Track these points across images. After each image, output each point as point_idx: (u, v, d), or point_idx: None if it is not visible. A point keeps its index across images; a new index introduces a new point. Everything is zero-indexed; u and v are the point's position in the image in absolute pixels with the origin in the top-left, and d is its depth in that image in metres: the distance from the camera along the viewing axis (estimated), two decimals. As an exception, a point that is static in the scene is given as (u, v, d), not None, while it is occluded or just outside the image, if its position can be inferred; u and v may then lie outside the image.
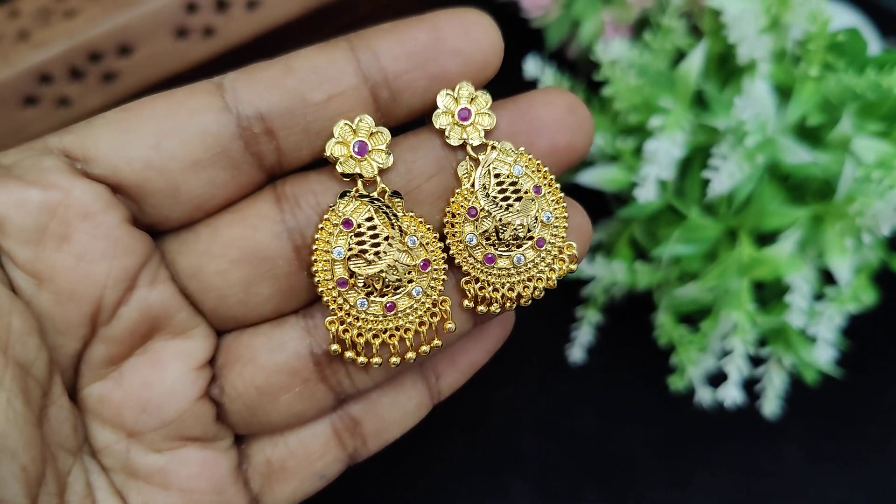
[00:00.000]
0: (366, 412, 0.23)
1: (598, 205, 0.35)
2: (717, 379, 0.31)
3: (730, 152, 0.28)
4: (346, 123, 0.19)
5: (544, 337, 0.36)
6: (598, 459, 0.34)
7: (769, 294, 0.31)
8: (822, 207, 0.29)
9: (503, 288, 0.21)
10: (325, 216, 0.20)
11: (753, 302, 0.29)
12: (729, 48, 0.30)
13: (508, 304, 0.21)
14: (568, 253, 0.21)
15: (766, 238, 0.29)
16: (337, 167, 0.20)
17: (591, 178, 0.31)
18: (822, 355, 0.29)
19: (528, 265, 0.21)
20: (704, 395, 0.31)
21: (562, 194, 0.21)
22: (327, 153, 0.19)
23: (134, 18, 0.34)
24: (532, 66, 0.32)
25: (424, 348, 0.21)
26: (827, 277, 0.30)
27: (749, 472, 0.33)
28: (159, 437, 0.20)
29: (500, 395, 0.35)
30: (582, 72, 0.37)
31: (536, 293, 0.21)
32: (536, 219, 0.21)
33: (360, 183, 0.20)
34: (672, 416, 0.34)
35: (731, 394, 0.30)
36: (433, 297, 0.20)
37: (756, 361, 0.32)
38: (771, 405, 0.32)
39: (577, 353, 0.34)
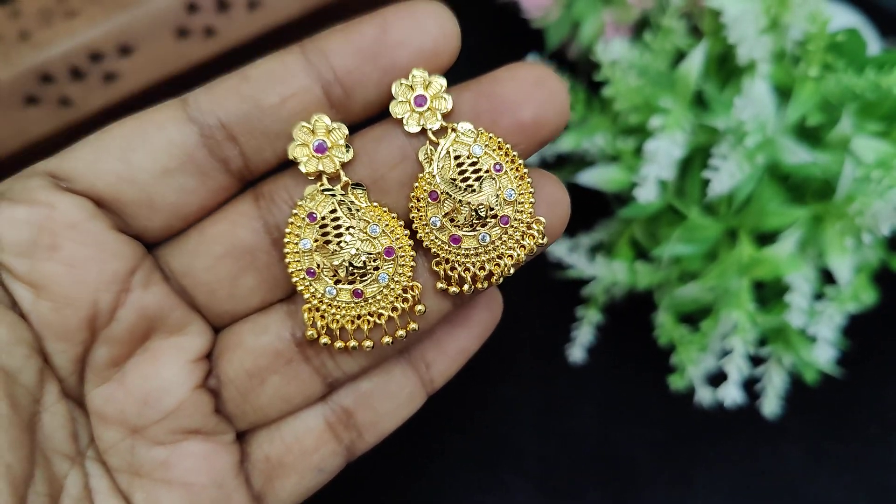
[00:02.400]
0: (358, 403, 0.23)
1: (598, 205, 0.35)
2: (717, 379, 0.31)
3: (730, 152, 0.28)
4: (303, 125, 0.20)
5: (544, 336, 0.36)
6: (599, 459, 0.34)
7: (769, 294, 0.31)
8: (822, 207, 0.29)
9: (475, 267, 0.21)
10: (294, 211, 0.21)
11: (753, 302, 0.29)
12: (729, 48, 0.30)
13: (480, 285, 0.21)
14: (537, 228, 0.21)
15: (766, 238, 0.29)
16: (300, 168, 0.20)
17: (591, 178, 0.31)
18: (822, 355, 0.29)
19: (496, 243, 0.21)
20: (704, 395, 0.31)
21: (526, 170, 0.21)
22: (290, 155, 0.20)
23: (135, 19, 0.34)
24: (532, 67, 0.32)
25: (401, 332, 0.21)
26: (827, 277, 0.30)
27: (749, 471, 0.33)
28: (162, 429, 0.21)
29: (500, 394, 0.35)
30: (582, 72, 0.37)
31: (507, 271, 0.21)
32: (498, 196, 0.21)
33: (324, 178, 0.21)
34: (672, 415, 0.34)
35: (731, 393, 0.30)
36: (402, 282, 0.21)
37: (756, 361, 0.32)
38: (771, 405, 0.32)
39: (577, 352, 0.34)
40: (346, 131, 0.20)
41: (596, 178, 0.31)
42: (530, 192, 0.21)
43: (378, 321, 0.21)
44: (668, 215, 0.31)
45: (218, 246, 0.21)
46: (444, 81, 0.20)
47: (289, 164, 0.21)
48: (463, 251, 0.21)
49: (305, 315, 0.21)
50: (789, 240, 0.29)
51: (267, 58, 0.20)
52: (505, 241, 0.21)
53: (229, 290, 0.22)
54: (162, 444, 0.21)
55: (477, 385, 0.35)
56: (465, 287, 0.21)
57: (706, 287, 0.29)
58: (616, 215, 0.33)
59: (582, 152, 0.33)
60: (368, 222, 0.21)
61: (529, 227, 0.21)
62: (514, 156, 0.20)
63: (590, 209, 0.35)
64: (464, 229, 0.21)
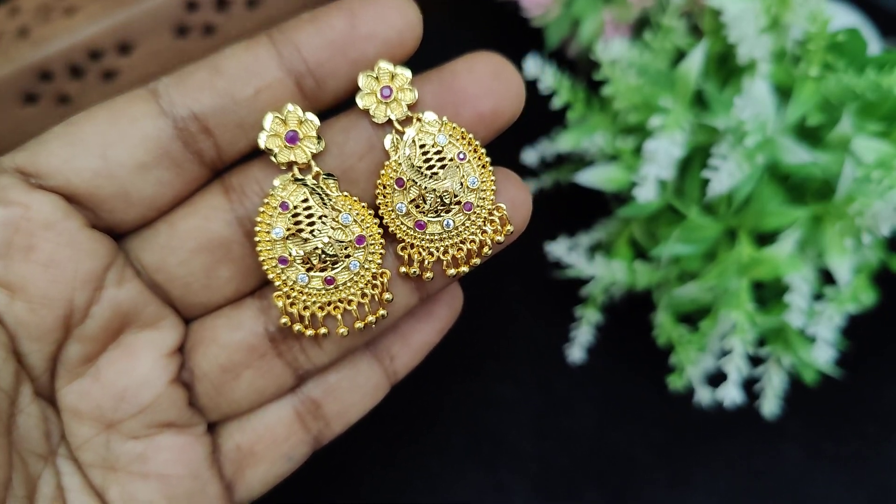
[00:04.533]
0: (325, 394, 0.24)
1: (598, 204, 0.35)
2: (716, 379, 0.31)
3: (730, 152, 0.28)
4: (275, 116, 0.20)
5: (544, 336, 0.36)
6: (598, 459, 0.34)
7: (769, 294, 0.31)
8: (822, 207, 0.29)
9: (438, 252, 0.22)
10: (265, 200, 0.21)
11: (753, 302, 0.29)
12: (729, 48, 0.30)
13: (451, 271, 0.22)
14: (498, 215, 0.22)
15: (765, 238, 0.29)
16: (272, 158, 0.21)
17: (590, 177, 0.31)
18: (822, 355, 0.29)
19: (459, 228, 0.22)
20: (704, 395, 0.31)
21: (488, 159, 0.21)
22: (262, 146, 0.21)
23: (134, 16, 0.34)
24: (532, 66, 0.32)
25: (371, 318, 0.22)
26: (827, 277, 0.30)
27: (748, 471, 0.33)
28: (137, 424, 0.21)
29: (499, 394, 0.35)
30: (582, 71, 0.37)
31: (473, 259, 0.22)
32: (462, 184, 0.21)
33: (295, 168, 0.21)
34: (671, 415, 0.34)
35: (731, 393, 0.30)
36: (372, 270, 0.22)
37: (755, 361, 0.32)
38: (770, 405, 0.32)
39: (576, 352, 0.34)
40: (318, 123, 0.21)
41: (595, 177, 0.31)
42: (492, 181, 0.22)
43: (348, 307, 0.22)
44: (667, 215, 0.31)
45: (191, 241, 0.21)
46: (409, 73, 0.21)
47: (256, 154, 0.21)
48: (427, 236, 0.22)
49: (280, 303, 0.21)
50: (789, 240, 0.29)
51: (236, 48, 0.20)
52: (468, 226, 0.22)
53: (204, 283, 0.22)
54: (137, 438, 0.21)
55: (475, 385, 0.35)
56: (426, 275, 0.22)
57: (705, 287, 0.29)
58: (615, 215, 0.33)
59: (581, 152, 0.33)
60: (340, 211, 0.21)
61: (491, 214, 0.22)
62: (476, 145, 0.21)
63: (589, 208, 0.35)
64: (429, 215, 0.22)
